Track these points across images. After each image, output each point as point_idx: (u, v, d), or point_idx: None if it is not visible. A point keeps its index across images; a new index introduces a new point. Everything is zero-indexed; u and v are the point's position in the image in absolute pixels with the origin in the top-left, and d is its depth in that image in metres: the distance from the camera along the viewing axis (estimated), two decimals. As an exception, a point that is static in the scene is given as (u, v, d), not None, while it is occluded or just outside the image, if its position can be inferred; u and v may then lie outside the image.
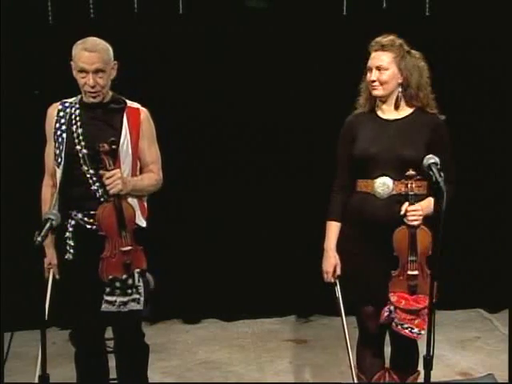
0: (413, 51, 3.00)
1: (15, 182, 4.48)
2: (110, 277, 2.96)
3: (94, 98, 3.01)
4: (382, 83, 2.95)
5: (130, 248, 2.98)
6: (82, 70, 2.96)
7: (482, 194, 4.88)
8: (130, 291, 2.98)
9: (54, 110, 3.10)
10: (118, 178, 2.93)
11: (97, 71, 2.96)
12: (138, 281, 3.00)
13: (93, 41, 3.00)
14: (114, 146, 2.95)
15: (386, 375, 3.15)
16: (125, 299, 2.98)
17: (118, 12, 4.54)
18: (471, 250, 4.91)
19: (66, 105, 3.09)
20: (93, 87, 2.97)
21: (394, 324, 2.91)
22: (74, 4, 4.49)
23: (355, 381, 3.16)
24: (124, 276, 2.98)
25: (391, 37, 2.98)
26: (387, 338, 3.13)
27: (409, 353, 3.08)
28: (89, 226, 3.03)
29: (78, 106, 3.07)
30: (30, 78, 4.47)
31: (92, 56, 2.95)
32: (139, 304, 3.01)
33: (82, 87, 3.00)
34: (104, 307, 2.97)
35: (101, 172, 2.94)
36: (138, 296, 3.00)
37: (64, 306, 3.12)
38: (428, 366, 2.63)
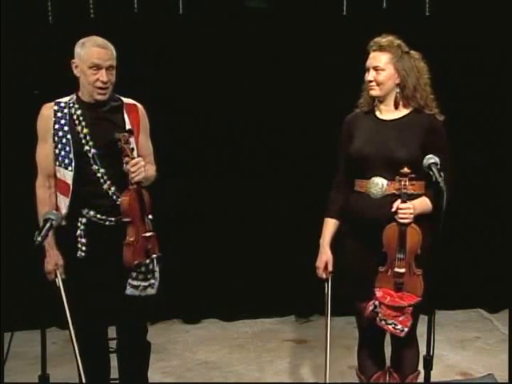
0: (412, 52, 3.00)
1: (15, 182, 4.47)
2: (136, 262, 3.03)
3: (103, 95, 3.03)
4: (378, 84, 2.97)
5: (151, 234, 3.07)
6: (94, 66, 2.98)
7: (482, 193, 4.88)
8: (149, 276, 3.08)
9: (49, 111, 3.08)
10: (142, 166, 2.98)
11: (109, 67, 3.00)
12: (156, 266, 3.10)
13: (100, 39, 3.04)
14: (131, 137, 3.00)
15: (386, 375, 3.15)
16: (146, 284, 3.08)
17: (118, 12, 4.54)
18: (471, 250, 4.91)
19: (62, 105, 3.08)
20: (105, 83, 2.99)
21: (378, 319, 2.94)
22: (74, 4, 4.49)
23: (327, 380, 3.18)
24: (147, 261, 3.06)
25: (390, 37, 2.99)
26: (388, 338, 3.14)
27: (408, 352, 3.09)
28: (101, 222, 3.06)
29: (77, 105, 3.07)
30: (30, 77, 4.47)
31: (105, 52, 3.00)
32: (153, 289, 3.10)
33: (93, 84, 3.00)
34: (129, 291, 3.05)
35: (125, 160, 2.96)
36: (153, 281, 3.10)
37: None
38: (428, 366, 2.63)
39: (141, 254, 3.04)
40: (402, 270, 2.89)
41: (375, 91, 2.99)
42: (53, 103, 3.10)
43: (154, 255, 3.09)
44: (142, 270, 3.05)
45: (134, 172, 2.96)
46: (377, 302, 2.92)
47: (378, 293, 2.92)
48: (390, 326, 2.92)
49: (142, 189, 3.04)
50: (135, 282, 3.05)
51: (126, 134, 2.97)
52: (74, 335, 3.20)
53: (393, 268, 2.90)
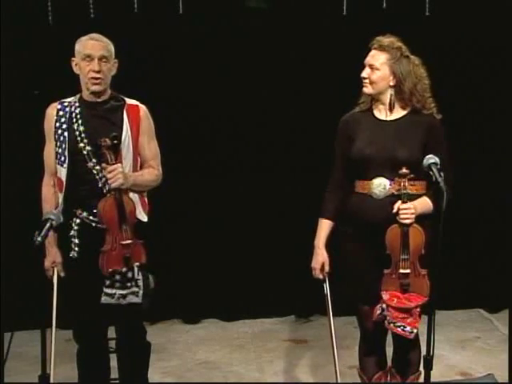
0: (413, 57, 2.99)
1: (15, 182, 4.48)
2: (110, 270, 3.00)
3: (96, 85, 3.04)
4: (371, 82, 2.97)
5: (129, 242, 3.01)
6: (87, 57, 3.02)
7: (481, 193, 4.88)
8: (129, 284, 3.02)
9: (53, 110, 3.12)
10: (119, 173, 2.97)
11: (101, 58, 3.02)
12: (138, 274, 3.04)
13: (96, 34, 3.08)
14: (115, 141, 2.99)
15: (387, 374, 3.15)
16: (124, 292, 3.02)
17: (118, 12, 4.54)
18: (471, 250, 4.91)
19: (65, 104, 3.11)
20: (98, 72, 3.01)
21: (386, 322, 2.92)
22: (74, 4, 4.49)
23: (338, 380, 3.17)
24: (124, 269, 3.01)
25: (392, 38, 2.99)
26: (388, 337, 3.14)
27: (410, 352, 3.08)
28: (94, 224, 3.06)
29: (77, 104, 3.10)
30: (30, 77, 4.47)
31: (98, 44, 3.04)
32: (138, 297, 3.04)
33: (86, 75, 3.03)
34: (103, 299, 3.01)
35: (103, 166, 2.98)
36: (137, 289, 3.04)
37: (66, 304, 3.13)
38: (428, 366, 2.63)
39: (117, 262, 2.99)
40: (407, 271, 2.88)
41: (368, 89, 2.99)
42: (57, 103, 3.14)
43: (137, 263, 3.04)
44: (117, 278, 3.00)
45: (110, 179, 2.96)
46: (384, 305, 2.91)
47: (385, 295, 2.91)
48: (399, 329, 2.90)
49: (123, 196, 3.01)
50: (109, 290, 3.00)
51: (107, 140, 2.96)
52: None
53: (398, 270, 2.90)
